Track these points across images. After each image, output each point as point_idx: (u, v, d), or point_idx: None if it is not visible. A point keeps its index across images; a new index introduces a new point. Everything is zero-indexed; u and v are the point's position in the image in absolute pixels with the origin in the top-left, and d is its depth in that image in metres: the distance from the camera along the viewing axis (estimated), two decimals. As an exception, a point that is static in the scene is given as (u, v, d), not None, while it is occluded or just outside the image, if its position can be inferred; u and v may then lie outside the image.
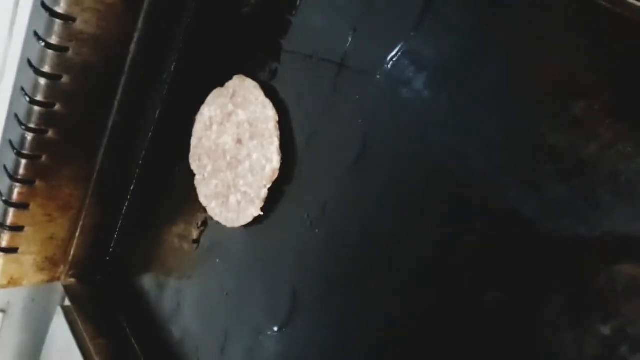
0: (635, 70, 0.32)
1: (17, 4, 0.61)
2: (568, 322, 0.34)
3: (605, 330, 0.32)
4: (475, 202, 0.39)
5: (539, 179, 0.36)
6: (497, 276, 0.37)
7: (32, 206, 0.62)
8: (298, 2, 0.52)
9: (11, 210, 0.61)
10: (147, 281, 0.68)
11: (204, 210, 0.59)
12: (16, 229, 0.62)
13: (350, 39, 0.48)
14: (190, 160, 0.59)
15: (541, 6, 0.36)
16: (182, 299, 0.63)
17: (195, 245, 0.61)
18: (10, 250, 0.64)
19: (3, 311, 0.78)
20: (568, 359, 0.33)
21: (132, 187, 0.68)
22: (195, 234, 0.62)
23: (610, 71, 0.33)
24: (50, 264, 0.68)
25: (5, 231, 0.62)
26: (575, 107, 0.34)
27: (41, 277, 0.69)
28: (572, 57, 0.35)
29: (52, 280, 0.70)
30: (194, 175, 0.59)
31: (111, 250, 0.72)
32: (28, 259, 0.66)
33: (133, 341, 0.67)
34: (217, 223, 0.57)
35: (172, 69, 0.61)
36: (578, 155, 0.34)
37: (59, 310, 0.73)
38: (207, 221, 0.60)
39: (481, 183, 0.38)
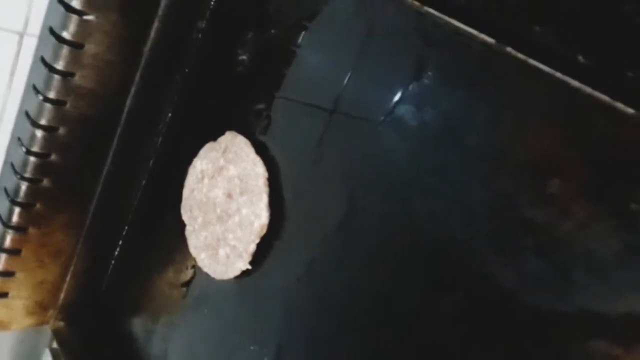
0: (607, 156, 0.33)
1: (17, 55, 0.63)
2: (545, 396, 0.34)
3: (581, 405, 0.33)
4: (456, 268, 0.40)
5: (517, 251, 0.37)
6: (475, 342, 0.38)
7: (24, 252, 0.62)
8: (292, 56, 0.54)
9: (3, 256, 0.62)
10: (136, 326, 0.68)
11: (194, 260, 0.59)
12: (7, 274, 0.63)
13: (342, 91, 0.49)
14: (182, 211, 0.60)
15: (524, 91, 0.37)
16: (169, 346, 0.63)
17: (184, 294, 0.62)
18: (0, 295, 0.64)
19: (-10, 353, 0.78)
20: None
21: (123, 234, 0.69)
22: (184, 283, 0.62)
23: (585, 155, 0.34)
24: (39, 308, 0.68)
25: (-5, 277, 0.63)
26: (551, 185, 0.36)
27: (30, 321, 0.69)
28: (550, 138, 0.36)
29: (40, 324, 0.70)
30: (184, 225, 0.60)
31: (101, 295, 0.72)
32: (18, 304, 0.66)
33: (119, 388, 0.67)
34: (206, 275, 0.58)
35: (167, 122, 0.62)
36: (554, 231, 0.35)
37: (47, 352, 0.73)
38: (196, 271, 0.61)
39: (462, 251, 0.39)
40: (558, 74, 0.34)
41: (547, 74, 0.34)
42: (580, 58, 0.33)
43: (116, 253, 0.69)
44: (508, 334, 0.37)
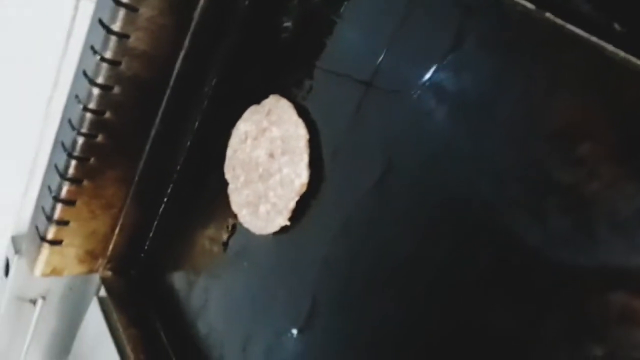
0: (637, 121, 0.35)
1: (74, 19, 0.66)
2: (564, 344, 0.37)
3: (598, 352, 0.35)
4: (485, 229, 0.42)
5: (544, 211, 0.39)
6: (501, 298, 0.40)
7: (78, 203, 0.67)
8: (332, 26, 0.56)
9: (59, 206, 0.67)
10: (178, 278, 0.73)
11: (235, 216, 0.63)
12: (62, 223, 0.68)
13: (379, 62, 0.51)
14: (225, 170, 0.64)
15: (556, 58, 0.39)
16: (210, 297, 0.67)
17: (224, 249, 0.66)
18: (55, 242, 0.69)
19: (43, 297, 0.84)
20: (562, 377, 0.37)
21: (169, 191, 0.73)
22: (225, 238, 0.66)
23: (615, 119, 0.36)
24: (90, 257, 0.73)
25: (53, 225, 0.68)
26: (581, 149, 0.38)
27: (81, 268, 0.74)
28: (582, 104, 0.38)
29: (90, 272, 0.75)
30: (227, 184, 0.64)
31: (146, 247, 0.77)
32: (70, 251, 0.71)
33: (162, 334, 0.72)
34: (247, 229, 0.61)
35: (213, 85, 0.66)
36: (581, 192, 0.37)
37: (95, 300, 0.78)
38: (236, 227, 0.65)
39: (492, 212, 0.42)
40: (594, 39, 0.35)
41: (583, 39, 0.36)
42: (616, 24, 0.35)
43: (162, 208, 0.74)
44: (533, 290, 0.39)
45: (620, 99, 0.36)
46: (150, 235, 0.76)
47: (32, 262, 0.71)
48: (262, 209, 0.59)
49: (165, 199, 0.73)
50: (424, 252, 0.44)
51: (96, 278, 0.79)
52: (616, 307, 0.35)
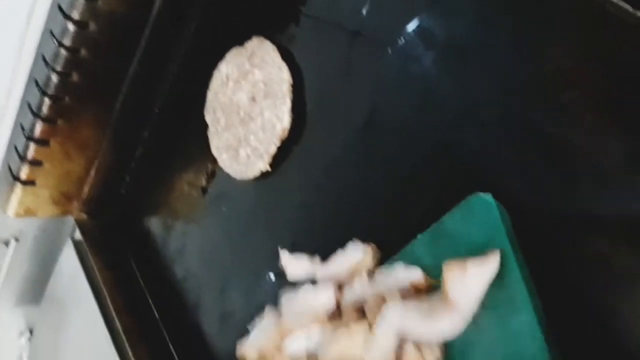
0: (623, 68, 0.36)
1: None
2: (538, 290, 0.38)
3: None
4: (469, 175, 0.43)
5: (526, 159, 0.40)
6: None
7: (52, 143, 0.66)
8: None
9: (32, 146, 0.65)
10: (155, 222, 0.73)
11: (214, 161, 0.62)
12: (35, 163, 0.66)
13: (366, 9, 0.50)
14: (205, 113, 0.63)
15: (546, 4, 0.39)
16: (188, 241, 0.67)
17: (203, 193, 0.66)
18: (28, 182, 0.68)
19: (16, 239, 0.83)
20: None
21: (146, 134, 0.72)
22: (204, 183, 0.66)
23: (602, 67, 0.37)
24: (64, 198, 0.72)
25: (26, 165, 0.66)
26: (566, 96, 0.38)
27: (55, 210, 0.73)
28: (569, 51, 0.38)
29: (65, 214, 0.74)
30: (207, 127, 0.63)
31: (123, 191, 0.76)
32: (44, 192, 0.70)
33: (138, 277, 0.72)
34: (226, 174, 0.61)
35: (194, 25, 0.64)
36: (563, 139, 0.38)
37: (69, 242, 0.78)
38: (216, 171, 0.64)
39: (475, 158, 0.42)
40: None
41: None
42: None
43: (139, 151, 0.72)
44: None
45: (608, 46, 0.36)
46: (127, 178, 0.75)
47: (5, 202, 0.70)
48: (243, 153, 0.58)
49: (142, 142, 0.72)
50: (407, 197, 0.45)
51: (71, 221, 0.79)
52: (592, 255, 0.36)
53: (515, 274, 0.37)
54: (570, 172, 0.37)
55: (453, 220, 0.41)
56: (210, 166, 0.65)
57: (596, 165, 0.36)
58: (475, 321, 0.38)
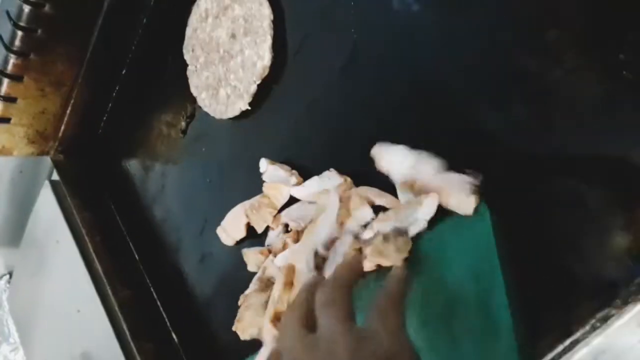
0: (604, 8, 0.35)
1: None
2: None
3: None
4: (448, 114, 0.42)
5: (507, 98, 0.39)
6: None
7: (25, 79, 0.63)
8: None
9: (5, 81, 0.63)
10: (134, 164, 0.72)
11: (194, 100, 0.61)
12: (10, 99, 0.64)
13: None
14: (184, 51, 0.61)
15: None
16: (167, 182, 0.67)
17: (182, 134, 0.65)
18: (3, 120, 0.66)
19: (-8, 179, 0.82)
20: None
21: (123, 72, 0.70)
22: (183, 123, 0.65)
23: (585, 7, 0.36)
24: (40, 137, 0.71)
25: (0, 101, 0.64)
26: (548, 35, 0.37)
27: (31, 149, 0.72)
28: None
29: (41, 153, 0.73)
30: (186, 65, 0.62)
31: (100, 131, 0.74)
32: (19, 131, 0.69)
33: (117, 217, 0.72)
34: (206, 114, 0.60)
35: (171, -44, 0.61)
36: (544, 79, 0.37)
37: (47, 183, 0.77)
38: (195, 112, 0.63)
39: (455, 97, 0.42)
40: None
41: None
42: None
43: (116, 90, 0.71)
44: (489, 175, 0.40)
45: (593, -15, 0.36)
46: (104, 118, 0.73)
47: (-21, 140, 0.68)
48: (222, 92, 0.57)
49: (119, 80, 0.70)
50: (386, 136, 0.44)
51: (48, 162, 0.77)
52: (564, 192, 0.36)
53: None
54: (548, 112, 0.37)
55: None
56: (189, 106, 0.63)
57: (574, 105, 0.36)
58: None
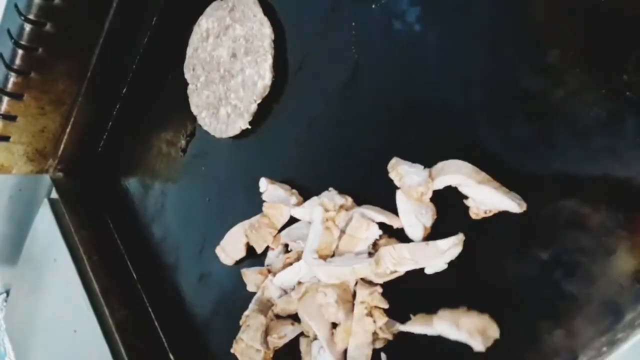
0: (607, 29, 0.35)
1: None
2: (512, 247, 0.38)
3: (544, 256, 0.37)
4: (449, 133, 0.42)
5: (507, 118, 0.39)
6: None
7: (26, 97, 0.63)
8: None
9: (5, 99, 0.63)
10: (133, 182, 0.71)
11: (194, 119, 0.61)
12: (9, 117, 0.64)
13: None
14: (185, 70, 0.61)
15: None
16: (166, 201, 0.67)
17: (182, 152, 0.64)
18: (2, 138, 0.66)
19: (-9, 197, 0.81)
20: (508, 279, 0.38)
21: (124, 90, 0.70)
22: (183, 142, 0.64)
23: (587, 27, 0.36)
24: (40, 156, 0.71)
25: (-1, 119, 0.64)
26: (550, 55, 0.37)
27: (30, 167, 0.71)
28: (552, 9, 0.37)
29: (40, 172, 0.73)
30: (186, 84, 0.61)
31: (100, 149, 0.74)
32: (19, 149, 0.68)
33: (116, 237, 0.71)
34: (206, 133, 0.60)
35: (174, -24, 0.62)
36: (546, 100, 0.37)
37: (45, 201, 0.76)
38: (195, 130, 0.63)
39: (456, 117, 0.42)
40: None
41: None
42: None
43: (116, 109, 0.71)
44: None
45: (593, 6, 0.36)
46: (104, 136, 0.73)
47: (-22, 158, 0.68)
48: (223, 111, 0.57)
49: (120, 98, 0.70)
50: (387, 155, 0.44)
51: (47, 180, 0.77)
52: (565, 214, 0.36)
53: None
54: (550, 133, 0.37)
55: None
56: (189, 125, 0.63)
57: (576, 126, 0.36)
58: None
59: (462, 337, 0.38)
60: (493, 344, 0.37)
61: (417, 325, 0.41)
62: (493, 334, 0.37)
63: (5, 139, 0.66)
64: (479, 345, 0.37)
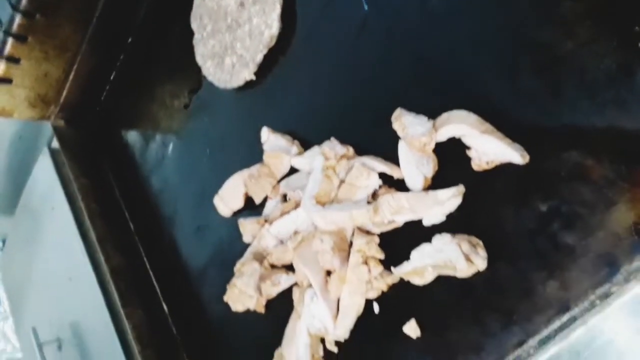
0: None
1: None
2: (512, 199, 0.38)
3: (544, 208, 0.36)
4: (455, 85, 0.42)
5: (515, 69, 0.39)
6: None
7: (30, 40, 0.63)
8: None
9: (10, 41, 0.62)
10: (135, 133, 0.71)
11: (199, 71, 0.61)
12: (13, 60, 0.64)
13: None
14: (192, 19, 0.61)
15: None
16: (167, 152, 0.66)
17: (185, 104, 0.64)
18: (5, 80, 0.65)
19: (-9, 143, 0.81)
20: (506, 231, 0.38)
21: (129, 40, 0.69)
22: (187, 94, 0.64)
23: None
24: (42, 102, 0.70)
25: (2, 61, 0.64)
26: (562, 6, 0.37)
27: (32, 113, 0.71)
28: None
29: (42, 118, 0.72)
30: (192, 34, 0.61)
31: (102, 99, 0.74)
32: (21, 93, 0.68)
33: (114, 186, 0.71)
34: (210, 84, 0.59)
35: None
36: (555, 51, 0.37)
37: (45, 150, 0.76)
38: (200, 82, 0.62)
39: (464, 68, 0.41)
40: None
41: None
42: None
43: (120, 59, 0.70)
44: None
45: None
46: (107, 86, 0.73)
47: (-20, 100, 0.68)
48: (228, 61, 0.57)
49: (125, 49, 0.69)
50: (393, 107, 0.44)
51: (48, 129, 0.77)
52: (567, 166, 0.36)
53: None
54: (558, 84, 0.36)
55: None
56: (194, 76, 0.63)
57: (584, 78, 0.35)
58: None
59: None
60: (487, 296, 0.38)
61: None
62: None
63: (8, 81, 0.66)
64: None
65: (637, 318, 0.35)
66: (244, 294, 0.49)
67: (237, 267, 0.50)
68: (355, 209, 0.42)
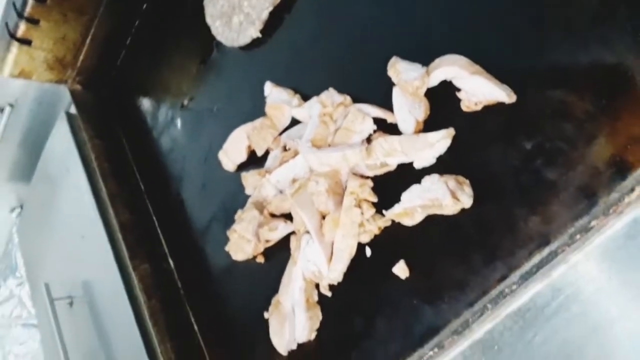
0: None
1: None
2: (499, 139, 0.39)
3: (528, 145, 0.38)
4: (447, 35, 0.43)
5: (502, 13, 0.40)
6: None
7: (49, 1, 0.66)
8: None
9: (30, 2, 0.65)
10: (147, 96, 0.74)
11: (209, 32, 0.63)
12: (32, 21, 0.67)
13: None
14: (203, -19, 0.63)
15: None
16: (176, 114, 0.69)
17: (196, 65, 0.66)
18: (24, 41, 0.68)
19: (11, 105, 0.84)
20: (493, 170, 0.39)
21: (144, 6, 0.72)
22: (197, 55, 0.66)
23: None
24: (60, 64, 0.73)
25: (23, 22, 0.67)
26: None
27: (50, 75, 0.74)
28: None
29: (59, 81, 0.75)
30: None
31: (118, 64, 0.76)
32: (40, 55, 0.71)
33: (126, 147, 0.74)
34: (218, 44, 0.61)
35: None
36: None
37: (63, 115, 0.79)
38: (210, 43, 0.64)
39: (453, 18, 0.43)
40: None
41: None
42: None
43: (136, 24, 0.73)
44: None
45: None
46: (123, 51, 0.75)
47: (1, 61, 0.71)
48: (236, 19, 0.59)
49: (140, 14, 0.72)
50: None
51: (66, 95, 0.79)
52: (552, 103, 0.37)
53: None
54: (541, 21, 0.38)
55: None
56: (204, 38, 0.65)
57: (567, 17, 0.36)
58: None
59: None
60: (472, 234, 0.39)
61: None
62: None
63: (28, 42, 0.69)
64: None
65: (615, 258, 0.36)
66: (243, 238, 0.51)
67: (238, 214, 0.52)
68: (349, 149, 0.43)
